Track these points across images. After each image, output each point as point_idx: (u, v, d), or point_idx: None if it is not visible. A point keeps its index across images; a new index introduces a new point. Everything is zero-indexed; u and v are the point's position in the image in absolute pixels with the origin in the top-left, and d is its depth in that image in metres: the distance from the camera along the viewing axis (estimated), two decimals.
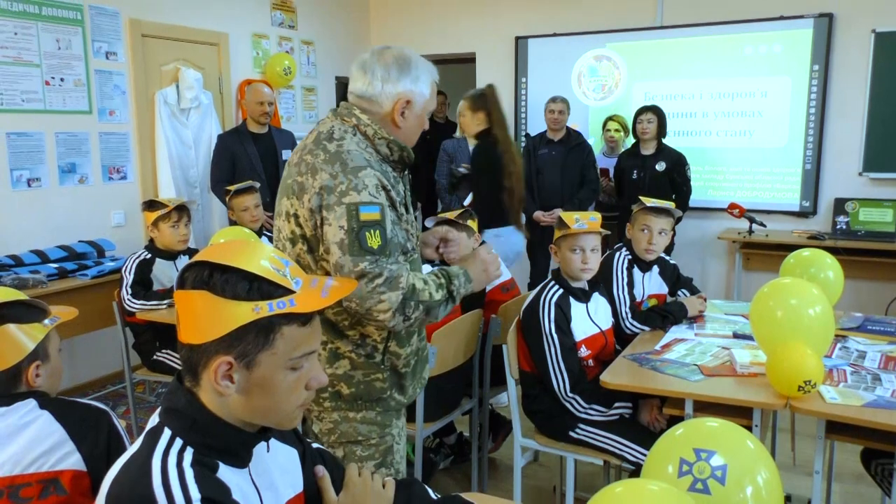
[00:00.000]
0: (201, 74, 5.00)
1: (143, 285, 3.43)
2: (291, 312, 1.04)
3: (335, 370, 1.77)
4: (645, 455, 2.23)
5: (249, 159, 4.62)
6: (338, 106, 1.83)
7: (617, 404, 2.51)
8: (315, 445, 1.34)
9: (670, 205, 3.02)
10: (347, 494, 1.25)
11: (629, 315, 2.86)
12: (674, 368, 2.37)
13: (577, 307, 2.63)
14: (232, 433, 1.09)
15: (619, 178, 5.09)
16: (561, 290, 2.62)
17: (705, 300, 3.02)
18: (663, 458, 1.26)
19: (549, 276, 2.72)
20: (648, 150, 4.89)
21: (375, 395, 1.80)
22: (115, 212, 4.60)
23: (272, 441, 1.20)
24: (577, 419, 2.54)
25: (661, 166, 4.82)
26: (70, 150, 4.32)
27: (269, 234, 4.03)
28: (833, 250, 3.19)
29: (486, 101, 4.16)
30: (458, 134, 4.75)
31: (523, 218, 4.32)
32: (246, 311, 1.02)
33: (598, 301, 2.74)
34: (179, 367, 1.11)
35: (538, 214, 4.95)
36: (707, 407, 2.23)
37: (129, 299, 3.37)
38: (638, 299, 2.97)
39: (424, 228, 3.27)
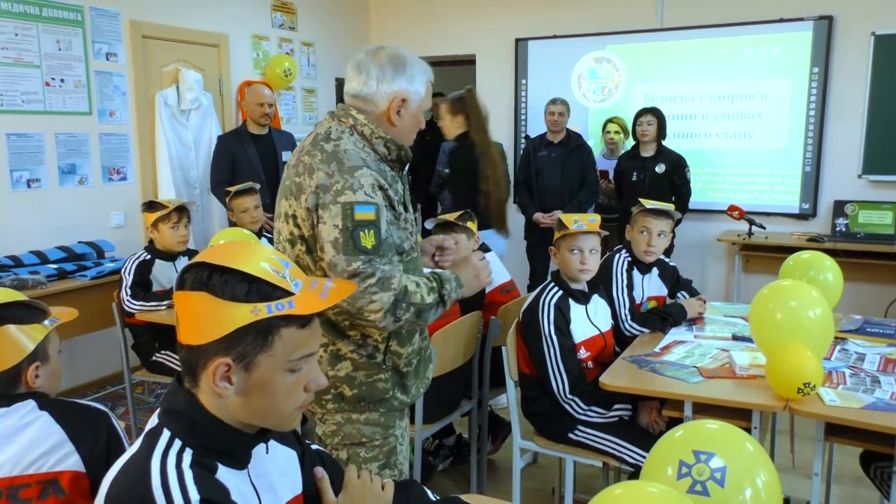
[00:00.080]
0: (201, 76, 5.01)
1: (142, 286, 3.43)
2: (290, 314, 1.04)
3: (337, 372, 1.77)
4: (644, 457, 2.23)
5: (249, 161, 4.62)
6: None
7: (616, 406, 2.51)
8: (314, 447, 1.34)
9: (669, 207, 3.02)
10: (346, 496, 1.26)
11: (629, 317, 2.86)
12: (673, 370, 2.37)
13: (576, 309, 2.63)
14: (231, 435, 1.09)
15: (618, 180, 5.09)
16: (560, 292, 2.62)
17: (705, 302, 3.02)
18: (662, 460, 1.26)
19: (549, 278, 2.72)
20: (648, 152, 4.89)
21: (378, 395, 1.80)
22: (114, 213, 4.60)
23: (271, 443, 1.20)
24: (576, 421, 2.54)
25: (660, 168, 4.82)
26: (70, 151, 4.32)
27: (268, 235, 4.03)
28: (832, 252, 3.19)
29: (464, 104, 4.18)
30: None
31: (523, 220, 4.32)
32: (245, 313, 1.02)
33: (598, 303, 2.74)
34: (179, 369, 1.11)
35: (538, 216, 4.95)
36: (706, 409, 2.23)
37: (128, 300, 3.37)
38: (637, 301, 2.97)
39: (424, 229, 3.29)
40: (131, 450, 1.07)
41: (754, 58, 5.39)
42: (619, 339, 2.82)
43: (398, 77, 1.76)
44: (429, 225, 3.16)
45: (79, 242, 4.21)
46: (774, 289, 2.23)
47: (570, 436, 2.55)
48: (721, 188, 5.63)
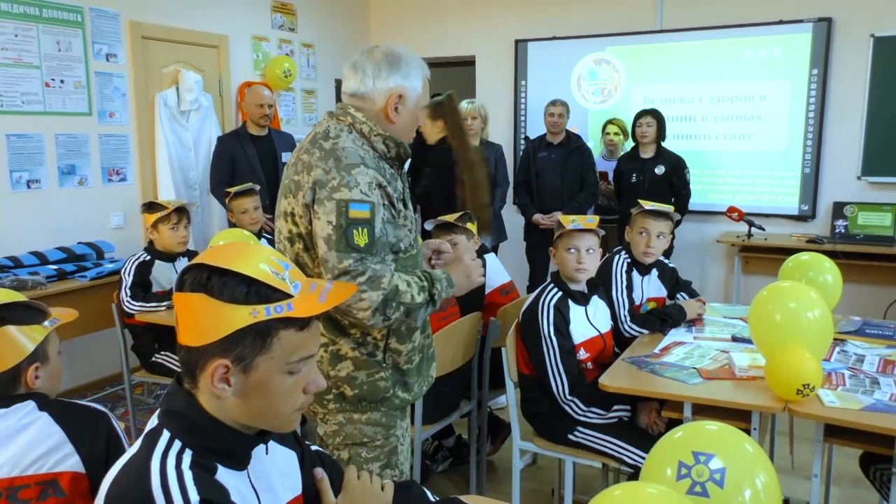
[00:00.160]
0: (201, 77, 5.01)
1: (142, 287, 3.43)
2: (289, 317, 1.04)
3: (337, 372, 1.78)
4: (643, 458, 2.23)
5: (249, 161, 4.62)
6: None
7: (616, 407, 2.51)
8: (314, 448, 1.34)
9: (668, 208, 3.02)
10: (346, 497, 1.26)
11: (628, 318, 2.86)
12: (672, 371, 2.38)
13: (575, 310, 2.63)
14: (230, 435, 1.09)
15: (618, 181, 5.09)
16: (560, 293, 2.62)
17: (704, 303, 3.03)
18: (662, 461, 1.27)
19: (549, 279, 2.72)
20: (648, 153, 4.90)
21: (379, 394, 1.80)
22: (114, 213, 4.60)
23: (271, 444, 1.20)
24: (575, 422, 2.54)
25: (660, 170, 4.82)
26: (70, 152, 4.33)
27: (268, 236, 4.03)
28: (832, 254, 3.20)
29: (443, 110, 4.17)
30: None
31: (523, 221, 4.30)
32: (243, 315, 1.02)
33: (597, 304, 2.75)
34: (178, 370, 1.11)
35: (537, 217, 4.96)
36: (706, 410, 2.23)
37: (128, 301, 3.37)
38: (637, 302, 2.97)
39: (424, 231, 3.29)
40: (131, 450, 1.07)
41: (754, 59, 5.39)
42: (619, 340, 2.83)
43: (394, 74, 1.77)
44: (428, 226, 3.16)
45: (78, 243, 4.21)
46: (774, 290, 2.23)
47: (570, 437, 2.55)
48: (720, 189, 5.64)
